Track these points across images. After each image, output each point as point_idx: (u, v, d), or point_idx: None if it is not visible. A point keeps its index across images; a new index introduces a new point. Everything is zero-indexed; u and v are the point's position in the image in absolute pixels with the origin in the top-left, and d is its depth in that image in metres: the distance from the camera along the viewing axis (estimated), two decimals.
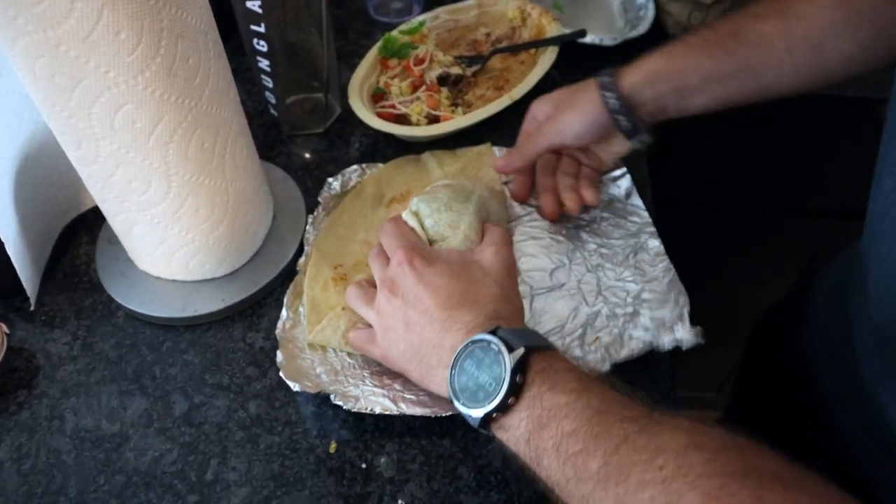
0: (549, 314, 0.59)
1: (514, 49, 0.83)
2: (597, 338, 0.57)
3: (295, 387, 0.53)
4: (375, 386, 0.54)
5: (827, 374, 0.67)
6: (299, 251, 0.65)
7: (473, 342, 0.44)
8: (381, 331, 0.51)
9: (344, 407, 0.52)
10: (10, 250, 0.58)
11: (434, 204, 0.56)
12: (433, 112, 0.75)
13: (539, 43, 0.82)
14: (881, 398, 0.55)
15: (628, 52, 0.86)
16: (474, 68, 0.82)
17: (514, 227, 0.66)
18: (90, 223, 0.69)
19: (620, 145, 0.64)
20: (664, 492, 0.34)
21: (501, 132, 0.74)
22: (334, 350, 0.57)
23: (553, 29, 0.83)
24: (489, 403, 0.41)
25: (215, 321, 0.62)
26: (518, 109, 0.71)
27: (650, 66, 0.59)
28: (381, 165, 0.70)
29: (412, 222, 0.55)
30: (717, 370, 1.41)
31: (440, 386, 0.47)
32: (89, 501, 0.51)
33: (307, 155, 0.76)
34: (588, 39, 0.83)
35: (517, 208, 0.67)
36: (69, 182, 0.65)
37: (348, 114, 0.78)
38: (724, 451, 0.35)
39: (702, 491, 0.33)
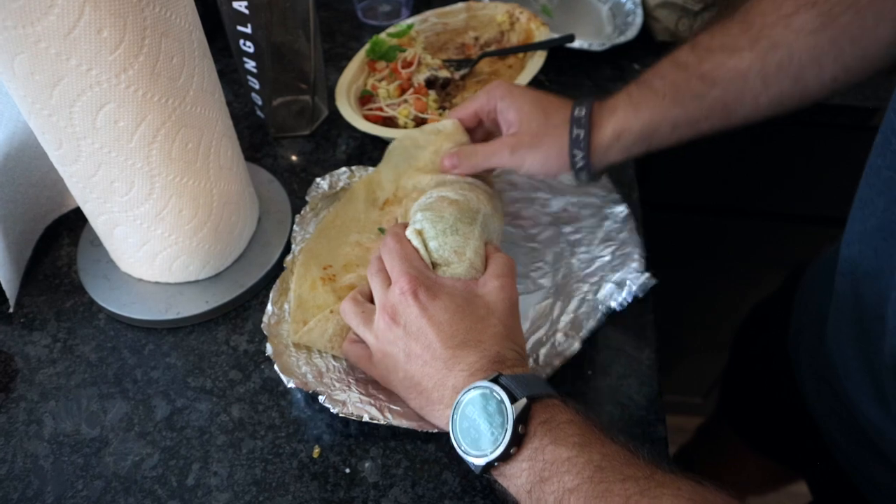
0: (531, 317, 0.59)
1: (503, 53, 0.83)
2: (573, 324, 0.58)
3: (289, 382, 0.52)
4: (361, 394, 0.53)
5: (808, 377, 0.67)
6: (285, 253, 0.65)
7: (476, 388, 0.43)
8: (379, 354, 0.51)
9: (332, 410, 0.51)
10: None
11: (440, 225, 0.53)
12: (421, 115, 0.74)
13: (527, 47, 0.82)
14: (865, 410, 0.55)
15: (616, 57, 0.86)
16: (463, 72, 0.82)
17: None
18: (72, 224, 0.68)
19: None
20: None
21: None
22: (319, 352, 0.56)
23: (541, 33, 0.83)
24: (491, 453, 0.41)
25: (198, 324, 0.61)
26: None
27: (619, 121, 0.56)
28: (370, 169, 0.70)
29: (416, 242, 0.53)
30: (704, 375, 1.42)
31: (440, 421, 0.48)
32: None
33: (294, 157, 0.76)
34: (576, 44, 0.83)
35: None
36: (50, 182, 0.64)
37: (335, 116, 0.77)
38: None
39: None
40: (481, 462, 0.42)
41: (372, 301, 0.53)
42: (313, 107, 0.77)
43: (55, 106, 0.46)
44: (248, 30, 0.67)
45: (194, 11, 0.52)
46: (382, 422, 0.51)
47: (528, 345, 0.57)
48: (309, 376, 0.54)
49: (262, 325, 0.57)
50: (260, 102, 0.75)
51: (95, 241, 0.63)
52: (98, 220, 0.58)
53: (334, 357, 0.56)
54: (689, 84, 0.54)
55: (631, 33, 0.86)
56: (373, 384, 0.54)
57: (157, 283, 0.62)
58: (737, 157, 1.03)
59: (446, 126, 0.64)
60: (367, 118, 0.75)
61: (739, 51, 0.52)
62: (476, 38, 0.87)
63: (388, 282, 0.51)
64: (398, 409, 0.52)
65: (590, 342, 0.56)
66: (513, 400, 0.42)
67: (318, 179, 0.68)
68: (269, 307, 0.58)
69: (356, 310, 0.53)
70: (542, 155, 0.58)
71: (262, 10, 0.66)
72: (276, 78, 0.74)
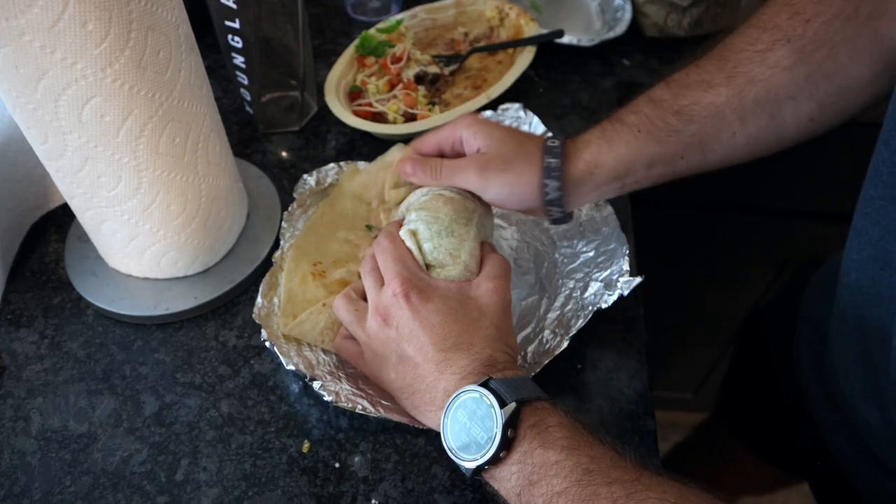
0: (517, 313, 0.59)
1: (492, 48, 0.83)
2: (559, 320, 0.58)
3: (289, 365, 0.52)
4: (352, 387, 0.53)
5: (811, 383, 0.67)
6: (274, 249, 0.64)
7: (466, 392, 0.44)
8: (371, 354, 0.51)
9: (325, 398, 0.51)
10: None
11: (435, 226, 0.53)
12: (410, 110, 0.74)
13: (517, 43, 0.82)
14: (867, 422, 0.56)
15: (605, 53, 0.87)
16: (452, 67, 0.82)
17: None
18: (59, 220, 0.68)
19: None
20: None
21: None
22: (309, 345, 0.56)
23: (531, 29, 0.83)
24: (481, 457, 0.42)
25: (187, 319, 0.61)
26: (495, 108, 0.71)
27: (592, 155, 0.53)
28: (359, 164, 0.69)
29: (409, 242, 0.53)
30: (696, 371, 1.42)
31: (432, 422, 0.48)
32: (55, 503, 0.50)
33: (283, 153, 0.76)
34: (565, 40, 0.83)
35: None
36: (37, 178, 0.64)
37: (325, 112, 0.77)
38: None
39: None
40: (472, 465, 0.42)
41: (365, 299, 0.53)
42: (302, 103, 0.77)
43: (40, 100, 0.46)
44: (237, 25, 0.67)
45: (181, 6, 0.51)
46: (374, 414, 0.51)
47: (517, 342, 0.58)
48: (301, 366, 0.54)
49: (253, 316, 0.56)
50: (249, 98, 0.75)
51: (83, 237, 0.63)
52: (85, 216, 0.57)
53: (324, 350, 0.56)
54: (665, 119, 0.52)
55: (620, 29, 0.86)
56: (363, 379, 0.54)
57: (145, 278, 0.62)
58: None
59: (394, 157, 0.63)
60: (357, 114, 0.75)
61: (716, 86, 0.51)
62: (465, 34, 0.87)
63: (381, 281, 0.51)
64: (388, 403, 0.52)
65: (579, 337, 0.57)
66: (502, 404, 0.42)
67: (305, 176, 0.68)
68: (259, 299, 0.58)
69: (349, 307, 0.53)
70: (512, 179, 0.54)
71: (250, 5, 0.66)
72: (265, 73, 0.74)
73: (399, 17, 0.85)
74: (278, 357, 0.53)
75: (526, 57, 0.80)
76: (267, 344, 0.54)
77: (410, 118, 0.74)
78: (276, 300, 0.58)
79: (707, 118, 0.51)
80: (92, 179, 0.52)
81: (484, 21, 0.87)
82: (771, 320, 0.83)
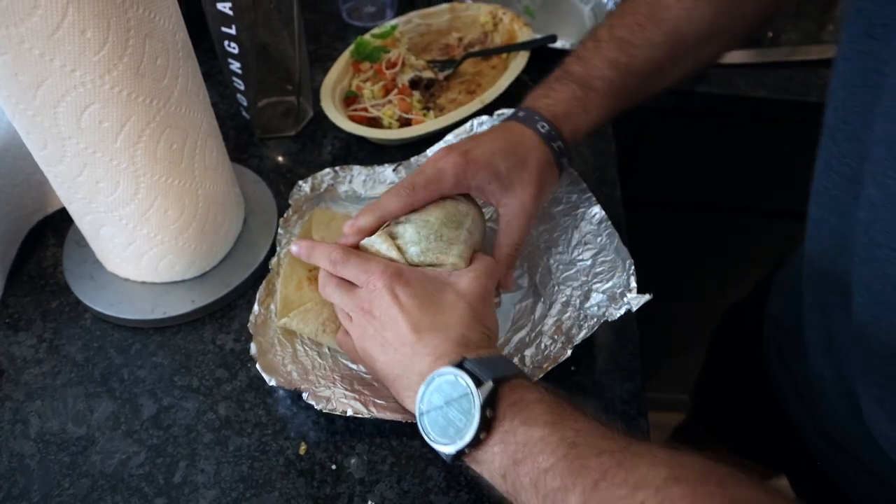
0: (511, 316, 0.60)
1: (486, 53, 0.84)
2: (557, 326, 0.58)
3: (270, 381, 0.53)
4: (346, 390, 0.54)
5: (781, 377, 0.68)
6: (271, 253, 0.65)
7: (440, 374, 0.43)
8: (361, 349, 0.51)
9: (316, 407, 0.52)
10: None
11: (424, 230, 0.52)
12: (405, 115, 0.75)
13: (510, 48, 0.83)
14: (834, 406, 0.56)
15: None
16: (446, 72, 0.82)
17: None
18: (57, 225, 0.68)
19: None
20: None
21: None
22: (304, 349, 0.57)
23: (524, 34, 0.84)
24: (460, 440, 0.41)
25: (185, 323, 0.61)
26: (489, 113, 0.72)
27: (575, 125, 0.58)
28: (355, 169, 0.70)
29: (384, 247, 0.52)
30: (689, 372, 1.43)
31: (410, 408, 0.47)
32: None
33: (279, 158, 0.76)
34: (559, 44, 0.84)
35: None
36: (35, 183, 0.64)
37: (320, 117, 0.78)
38: (704, 485, 0.35)
39: None
40: (451, 450, 0.41)
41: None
42: (298, 108, 0.78)
43: (39, 106, 0.47)
44: (233, 31, 0.67)
45: (178, 13, 0.52)
46: (367, 415, 0.52)
47: (511, 344, 0.58)
48: (294, 374, 0.54)
49: (249, 325, 0.57)
50: (245, 103, 0.76)
51: (81, 242, 0.63)
52: (83, 221, 0.58)
53: (319, 354, 0.57)
54: (625, 81, 0.59)
55: None
56: (358, 380, 0.55)
57: (143, 282, 0.62)
58: (718, 153, 1.05)
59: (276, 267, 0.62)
60: (352, 119, 0.76)
61: (658, 45, 0.59)
62: (460, 39, 0.87)
63: (351, 288, 0.51)
64: (382, 402, 0.53)
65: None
66: (478, 384, 0.41)
67: (300, 182, 0.68)
68: (256, 307, 0.58)
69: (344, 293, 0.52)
70: (507, 138, 0.56)
71: (246, 12, 0.67)
72: (261, 79, 0.75)
73: (394, 22, 0.85)
74: (265, 373, 0.53)
75: (520, 62, 0.81)
76: (258, 366, 0.53)
77: (405, 123, 0.75)
78: (272, 307, 0.59)
79: (651, 73, 0.60)
80: (90, 185, 0.53)
81: (478, 26, 0.88)
82: (741, 320, 0.84)
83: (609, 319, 0.56)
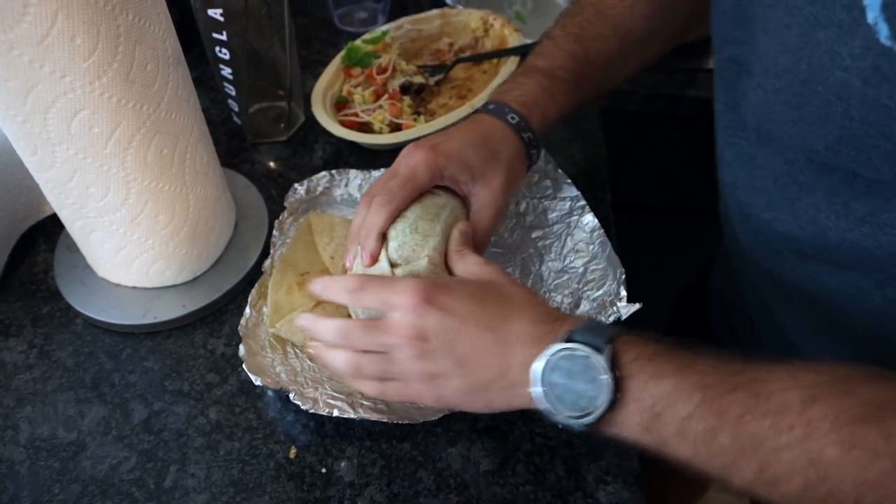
0: None
1: (477, 59, 0.85)
2: None
3: (257, 381, 0.53)
4: (334, 390, 0.54)
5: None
6: (262, 258, 0.65)
7: (554, 354, 0.43)
8: (419, 383, 0.47)
9: (302, 407, 0.52)
10: None
11: (400, 225, 0.53)
12: (396, 120, 0.75)
13: (501, 53, 0.83)
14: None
15: None
16: (437, 77, 0.83)
17: None
18: (48, 230, 0.68)
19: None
20: (804, 451, 0.37)
21: None
22: (294, 351, 0.57)
23: (515, 39, 0.84)
24: (596, 408, 0.42)
25: (176, 328, 0.61)
26: None
27: (544, 113, 0.60)
28: (351, 172, 0.70)
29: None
30: None
31: (520, 402, 0.45)
32: None
33: (270, 163, 0.77)
34: None
35: None
36: (26, 189, 0.64)
37: (312, 122, 0.78)
38: (839, 397, 0.37)
39: (838, 444, 0.36)
40: (590, 420, 0.42)
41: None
42: (290, 113, 0.78)
43: (29, 112, 0.47)
44: (224, 37, 0.68)
45: (168, 19, 0.52)
46: (353, 416, 0.52)
47: None
48: (283, 376, 0.54)
49: (239, 328, 0.57)
50: (237, 109, 0.76)
51: (72, 247, 0.63)
52: (74, 226, 0.58)
53: (310, 357, 0.57)
54: (584, 70, 0.62)
55: None
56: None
57: (134, 287, 0.62)
58: (709, 156, 1.05)
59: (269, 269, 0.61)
60: (343, 124, 0.76)
61: (608, 38, 0.63)
62: (450, 45, 0.88)
63: (376, 321, 0.48)
64: (369, 403, 0.53)
65: None
66: (597, 350, 0.42)
67: (295, 185, 0.68)
68: (248, 310, 0.58)
69: (353, 361, 0.48)
70: (495, 180, 0.57)
71: (237, 18, 0.67)
72: (253, 84, 0.75)
73: (385, 28, 0.86)
74: (251, 374, 0.53)
75: (510, 67, 0.81)
76: (245, 367, 0.53)
77: (396, 128, 0.75)
78: (264, 309, 0.59)
79: (605, 64, 0.64)
80: (81, 190, 0.53)
81: (469, 32, 0.89)
82: (693, 298, 0.87)
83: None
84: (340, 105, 0.79)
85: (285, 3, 0.70)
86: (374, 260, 0.52)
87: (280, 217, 0.66)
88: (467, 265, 0.51)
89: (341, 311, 0.56)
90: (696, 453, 0.40)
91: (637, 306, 0.56)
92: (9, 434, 0.55)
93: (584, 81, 0.62)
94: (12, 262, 0.66)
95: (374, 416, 0.52)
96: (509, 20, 0.87)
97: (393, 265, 0.52)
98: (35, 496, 0.51)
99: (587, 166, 0.75)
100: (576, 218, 0.64)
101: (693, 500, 1.21)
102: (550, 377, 0.43)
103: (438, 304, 0.45)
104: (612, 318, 0.56)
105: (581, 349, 0.42)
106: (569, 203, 0.65)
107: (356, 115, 0.77)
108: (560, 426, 0.44)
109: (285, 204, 0.67)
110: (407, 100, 0.78)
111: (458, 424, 0.55)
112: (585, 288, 0.60)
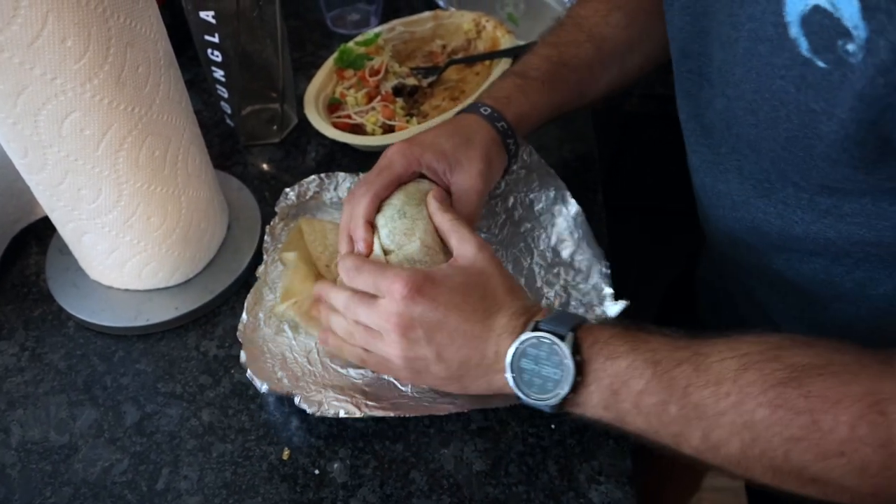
0: None
1: (470, 60, 0.85)
2: None
3: (263, 387, 0.53)
4: (337, 394, 0.54)
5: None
6: (254, 260, 0.65)
7: (523, 342, 0.47)
8: (406, 361, 0.50)
9: (308, 411, 0.52)
10: None
11: (388, 212, 0.55)
12: (388, 122, 0.75)
13: (494, 55, 0.83)
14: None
15: None
16: (430, 79, 0.83)
17: None
18: (40, 233, 0.68)
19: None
20: (739, 415, 0.41)
21: None
22: (294, 356, 0.57)
23: (507, 41, 0.85)
24: (561, 389, 0.46)
25: (169, 330, 0.61)
26: None
27: (520, 108, 0.62)
28: (340, 175, 0.70)
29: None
30: None
31: (493, 387, 0.50)
32: None
33: (263, 165, 0.77)
34: None
35: None
36: (17, 191, 0.64)
37: (305, 124, 0.78)
38: (768, 363, 0.42)
39: (766, 405, 0.40)
40: (556, 401, 0.46)
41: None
42: (283, 115, 0.78)
43: (20, 114, 0.47)
44: (216, 39, 0.68)
45: (160, 21, 0.52)
46: (359, 415, 0.52)
47: None
48: (285, 380, 0.54)
49: (238, 334, 0.57)
50: (229, 111, 0.76)
51: (64, 250, 0.63)
52: (66, 228, 0.58)
53: (309, 362, 0.57)
54: (558, 72, 0.64)
55: None
56: (348, 386, 0.55)
57: (126, 290, 0.62)
58: None
59: (288, 261, 0.61)
60: (336, 126, 0.76)
61: (583, 44, 0.65)
62: (443, 46, 0.88)
63: (372, 300, 0.51)
64: (373, 403, 0.53)
65: None
66: (561, 338, 0.46)
67: (286, 190, 0.68)
68: (244, 316, 0.58)
69: (349, 329, 0.53)
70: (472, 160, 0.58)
71: (229, 20, 0.67)
72: (245, 87, 0.75)
73: (377, 30, 0.86)
74: (256, 380, 0.53)
75: (502, 68, 0.81)
76: (249, 373, 0.53)
77: (388, 130, 0.75)
78: (261, 315, 0.59)
79: (581, 69, 0.65)
80: (72, 192, 0.53)
81: (461, 33, 0.89)
82: (680, 291, 0.88)
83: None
84: (333, 107, 0.79)
85: (277, 5, 0.70)
86: (369, 246, 0.55)
87: (271, 223, 0.66)
88: (463, 243, 0.53)
89: None
90: (649, 425, 0.45)
91: (624, 303, 0.58)
92: (0, 437, 0.55)
93: (558, 82, 0.64)
94: (4, 264, 0.66)
95: (379, 414, 0.52)
96: (501, 22, 0.87)
97: (386, 252, 0.54)
98: (26, 499, 0.51)
99: (579, 166, 0.76)
100: (559, 207, 0.66)
101: (686, 500, 1.21)
102: (520, 363, 0.48)
103: (426, 295, 0.49)
104: (598, 313, 0.58)
105: (547, 337, 0.47)
106: (553, 192, 0.67)
107: (349, 117, 0.77)
108: (531, 407, 0.48)
109: (276, 209, 0.67)
110: (400, 101, 0.78)
111: (450, 425, 0.55)
112: (571, 280, 0.62)
